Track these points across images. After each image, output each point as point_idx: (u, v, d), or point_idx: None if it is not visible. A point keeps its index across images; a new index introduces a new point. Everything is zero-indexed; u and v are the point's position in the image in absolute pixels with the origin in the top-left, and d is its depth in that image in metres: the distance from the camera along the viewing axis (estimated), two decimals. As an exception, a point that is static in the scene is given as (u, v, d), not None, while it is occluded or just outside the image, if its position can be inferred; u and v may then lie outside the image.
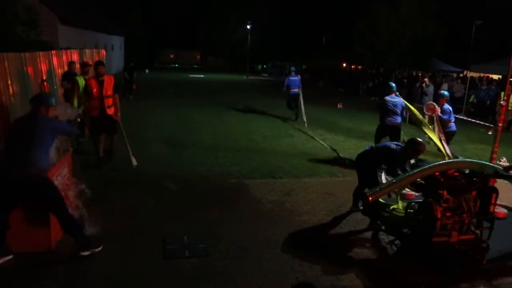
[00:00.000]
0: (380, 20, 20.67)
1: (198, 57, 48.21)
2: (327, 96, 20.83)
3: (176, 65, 44.12)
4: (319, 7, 43.08)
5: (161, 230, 4.59)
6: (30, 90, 8.09)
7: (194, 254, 4.15)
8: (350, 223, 5.16)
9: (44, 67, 9.17)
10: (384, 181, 5.65)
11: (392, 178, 4.80)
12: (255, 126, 11.54)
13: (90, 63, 7.59)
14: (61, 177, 4.30)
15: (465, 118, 13.17)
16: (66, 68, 10.08)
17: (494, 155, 8.17)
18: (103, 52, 17.06)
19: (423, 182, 4.41)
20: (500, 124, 8.13)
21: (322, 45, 40.30)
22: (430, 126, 6.86)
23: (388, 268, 4.16)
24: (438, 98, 7.82)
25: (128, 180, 6.22)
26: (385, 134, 7.80)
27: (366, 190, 4.32)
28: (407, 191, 5.07)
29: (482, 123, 11.34)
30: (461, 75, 22.43)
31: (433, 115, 7.34)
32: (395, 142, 5.36)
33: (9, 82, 7.12)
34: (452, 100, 17.06)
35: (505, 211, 5.06)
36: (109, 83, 6.52)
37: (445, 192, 4.10)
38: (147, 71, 29.38)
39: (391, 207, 5.21)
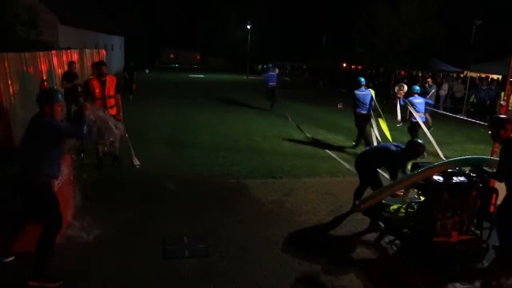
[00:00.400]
0: (380, 20, 20.64)
1: (198, 57, 48.23)
2: (327, 96, 20.83)
3: (176, 65, 44.12)
4: (319, 7, 43.08)
5: (161, 230, 4.59)
6: (30, 90, 8.10)
7: (194, 254, 4.15)
8: (350, 223, 5.16)
9: (44, 67, 9.17)
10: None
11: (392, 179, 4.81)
12: (255, 126, 11.54)
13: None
14: (60, 177, 4.30)
15: (465, 118, 13.17)
16: (66, 68, 10.09)
17: (494, 155, 8.17)
18: (103, 52, 17.08)
19: (423, 182, 4.42)
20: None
21: (322, 45, 40.29)
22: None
23: (388, 268, 4.16)
24: (411, 92, 9.13)
25: (128, 180, 6.22)
26: (361, 123, 8.83)
27: (357, 201, 4.30)
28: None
29: (482, 123, 11.33)
30: (461, 75, 22.44)
31: (398, 97, 8.90)
32: (395, 143, 5.36)
33: (9, 82, 7.13)
34: (452, 100, 17.14)
35: None
36: (111, 83, 6.53)
37: (445, 192, 4.11)
38: (147, 71, 29.39)
39: (391, 208, 5.21)
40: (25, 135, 3.62)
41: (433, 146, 9.20)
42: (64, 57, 10.86)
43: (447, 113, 13.53)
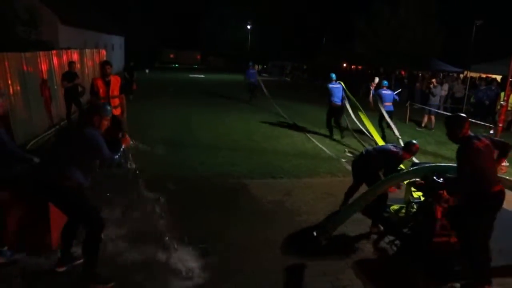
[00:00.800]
0: (380, 20, 20.67)
1: (198, 57, 48.22)
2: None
3: (176, 65, 44.10)
4: (319, 7, 43.06)
5: (161, 230, 4.59)
6: (30, 90, 8.10)
7: (193, 253, 4.14)
8: (350, 223, 5.16)
9: (44, 67, 9.17)
10: None
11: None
12: (255, 126, 11.54)
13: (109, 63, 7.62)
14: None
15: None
16: (66, 68, 10.09)
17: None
18: (103, 52, 17.06)
19: (422, 182, 4.43)
20: (500, 125, 8.15)
21: (322, 45, 40.29)
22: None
23: (388, 268, 4.16)
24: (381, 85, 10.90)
25: (127, 180, 6.22)
26: (333, 114, 10.15)
27: (327, 225, 4.28)
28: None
29: (482, 123, 11.33)
30: (461, 75, 22.44)
31: (370, 88, 11.45)
32: (392, 144, 5.37)
33: (9, 82, 7.13)
34: (452, 100, 17.13)
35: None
36: (115, 83, 6.52)
37: (445, 192, 4.11)
38: (147, 71, 29.38)
39: (392, 208, 5.22)
40: (60, 140, 3.57)
41: (430, 145, 9.37)
42: (64, 57, 10.86)
43: (446, 113, 13.52)
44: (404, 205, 5.17)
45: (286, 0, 42.10)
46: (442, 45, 20.61)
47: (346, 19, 31.30)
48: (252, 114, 13.58)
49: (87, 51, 14.03)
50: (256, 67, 16.81)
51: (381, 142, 8.56)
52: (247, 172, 7.03)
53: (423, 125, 12.76)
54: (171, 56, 46.94)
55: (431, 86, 12.75)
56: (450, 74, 23.62)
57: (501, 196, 3.54)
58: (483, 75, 19.18)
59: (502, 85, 14.59)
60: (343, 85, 10.30)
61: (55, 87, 9.87)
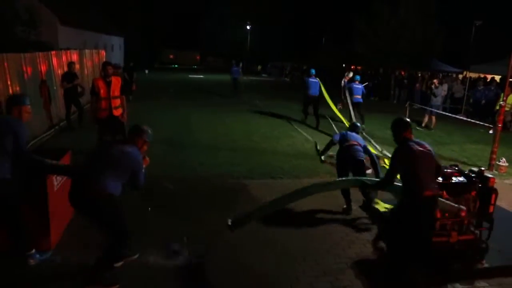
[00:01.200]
0: (380, 20, 20.68)
1: (198, 57, 48.22)
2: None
3: (176, 66, 44.11)
4: (319, 7, 43.08)
5: (161, 230, 4.59)
6: (29, 91, 8.09)
7: (193, 254, 4.14)
8: (350, 223, 5.16)
9: (43, 68, 9.17)
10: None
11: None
12: (254, 126, 11.54)
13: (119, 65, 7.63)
14: (60, 177, 4.30)
15: (465, 119, 13.17)
16: (65, 69, 10.09)
17: (494, 156, 8.19)
18: (103, 52, 17.06)
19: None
20: (499, 125, 8.15)
21: (322, 45, 40.30)
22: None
23: (388, 268, 4.15)
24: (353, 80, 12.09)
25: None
26: (309, 104, 11.52)
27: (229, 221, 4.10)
28: None
29: (481, 123, 11.34)
30: (460, 76, 22.44)
31: (344, 80, 12.26)
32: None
33: (9, 82, 7.12)
34: (452, 101, 17.14)
35: None
36: (116, 84, 6.53)
37: (444, 192, 4.11)
38: (146, 71, 29.38)
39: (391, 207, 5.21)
40: (98, 155, 3.52)
41: (430, 145, 9.31)
42: (64, 58, 10.86)
43: (447, 113, 13.53)
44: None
45: (286, 0, 42.12)
46: (442, 45, 20.59)
47: (346, 19, 31.32)
48: (251, 115, 13.58)
49: (87, 51, 14.02)
50: (240, 65, 20.53)
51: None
52: (247, 172, 7.03)
53: (423, 124, 12.77)
54: (171, 56, 46.94)
55: (433, 86, 12.74)
56: (449, 74, 23.64)
57: (432, 202, 3.59)
58: (482, 76, 19.17)
59: (501, 85, 14.59)
60: (319, 81, 11.91)
61: (55, 87, 9.87)
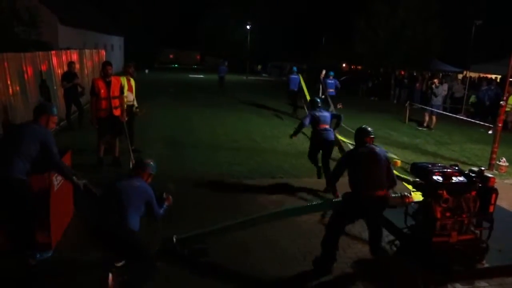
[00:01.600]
0: (380, 20, 20.62)
1: (198, 57, 48.17)
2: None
3: (176, 65, 44.08)
4: (319, 7, 43.06)
5: (161, 230, 4.58)
6: (29, 90, 8.10)
7: (193, 254, 4.14)
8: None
9: (43, 67, 9.17)
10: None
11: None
12: (255, 126, 11.54)
13: (131, 64, 7.69)
14: (60, 177, 4.29)
15: (465, 118, 13.18)
16: (65, 68, 10.09)
17: (494, 155, 8.19)
18: (103, 52, 17.06)
19: (422, 182, 4.42)
20: (499, 125, 8.15)
21: (322, 45, 40.28)
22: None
23: (388, 268, 4.15)
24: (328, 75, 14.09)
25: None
26: (292, 97, 13.05)
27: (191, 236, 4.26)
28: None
29: (482, 123, 11.34)
30: (460, 75, 22.44)
31: (320, 76, 14.17)
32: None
33: (9, 82, 7.12)
34: (452, 100, 17.15)
35: None
36: (116, 84, 6.53)
37: (444, 192, 4.11)
38: (146, 71, 29.37)
39: None
40: (114, 189, 3.49)
41: (430, 145, 9.43)
42: (64, 57, 10.86)
43: (447, 113, 13.54)
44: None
45: (286, 0, 42.09)
46: (442, 45, 20.56)
47: (346, 19, 31.29)
48: (251, 115, 13.58)
49: (87, 51, 14.02)
50: (226, 63, 22.75)
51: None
52: (247, 172, 7.03)
53: (425, 124, 12.73)
54: (171, 56, 46.91)
55: (433, 86, 12.73)
56: (449, 74, 23.62)
57: (373, 200, 3.78)
58: (483, 75, 19.17)
59: (501, 85, 14.58)
60: (301, 77, 13.89)
61: (55, 87, 9.87)
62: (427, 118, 12.73)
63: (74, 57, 11.75)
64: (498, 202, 4.54)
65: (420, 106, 14.72)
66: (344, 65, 33.54)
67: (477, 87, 17.50)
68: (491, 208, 4.27)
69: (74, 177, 3.93)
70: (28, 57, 8.24)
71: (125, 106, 7.14)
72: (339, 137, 9.25)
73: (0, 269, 3.69)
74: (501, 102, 8.29)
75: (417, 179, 4.52)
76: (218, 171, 6.98)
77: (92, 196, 3.98)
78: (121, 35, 33.00)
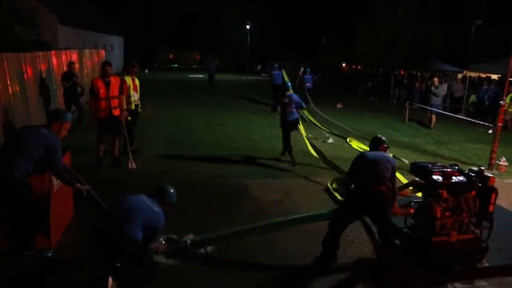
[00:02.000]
0: (380, 20, 20.62)
1: (198, 57, 48.13)
2: (327, 96, 20.84)
3: (176, 65, 44.07)
4: (319, 7, 43.06)
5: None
6: (29, 90, 8.09)
7: (193, 254, 4.14)
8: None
9: (43, 67, 9.16)
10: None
11: None
12: (254, 126, 11.54)
13: (135, 64, 7.70)
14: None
15: (465, 118, 13.18)
16: (65, 68, 10.09)
17: (494, 155, 8.19)
18: (103, 52, 17.07)
19: (422, 182, 4.43)
20: (499, 124, 8.15)
21: (322, 45, 40.31)
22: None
23: (388, 268, 4.15)
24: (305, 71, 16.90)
25: (127, 180, 6.22)
26: (277, 91, 12.70)
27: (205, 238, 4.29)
28: None
29: (482, 123, 11.34)
30: (460, 75, 22.43)
31: (299, 73, 17.59)
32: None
33: (8, 82, 7.11)
34: (452, 100, 17.15)
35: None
36: (115, 84, 6.55)
37: (444, 192, 4.11)
38: (146, 71, 29.36)
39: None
40: (122, 203, 3.45)
41: (429, 144, 9.43)
42: (63, 57, 10.85)
43: (447, 113, 13.54)
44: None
45: (286, 0, 42.11)
46: (442, 45, 20.56)
47: (346, 19, 31.31)
48: (251, 114, 13.57)
49: (86, 51, 14.02)
50: (216, 62, 25.97)
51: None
52: (247, 172, 7.03)
53: (431, 126, 12.62)
54: (171, 56, 46.85)
55: (433, 86, 12.72)
56: (449, 73, 23.60)
57: (374, 195, 3.93)
58: (483, 75, 19.18)
59: (500, 85, 14.58)
60: (284, 72, 14.39)
61: (54, 87, 9.86)
62: (434, 120, 12.61)
63: (74, 57, 11.75)
64: (498, 202, 4.55)
65: (420, 106, 14.73)
66: (344, 65, 33.50)
67: (477, 87, 17.51)
68: (491, 208, 4.28)
69: (77, 184, 3.91)
70: (28, 57, 8.23)
71: (133, 106, 7.17)
72: (354, 144, 9.31)
73: (0, 269, 3.69)
74: (501, 102, 8.29)
75: (417, 179, 4.53)
76: (218, 171, 6.98)
77: (95, 203, 3.95)
78: (121, 35, 33.00)
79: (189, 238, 4.24)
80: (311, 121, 10.68)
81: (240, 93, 18.88)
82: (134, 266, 3.32)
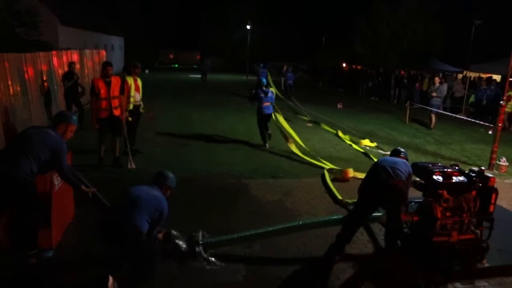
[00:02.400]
0: (380, 20, 20.63)
1: (198, 57, 48.10)
2: (327, 96, 20.85)
3: (176, 65, 44.07)
4: (319, 7, 43.05)
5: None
6: (30, 90, 8.10)
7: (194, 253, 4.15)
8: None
9: (44, 68, 9.18)
10: None
11: None
12: (254, 125, 11.47)
13: (138, 64, 7.71)
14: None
15: (465, 118, 13.18)
16: (66, 69, 10.11)
17: (494, 155, 8.20)
18: (103, 52, 17.06)
19: (422, 182, 4.43)
20: (500, 124, 8.15)
21: (322, 45, 40.29)
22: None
23: (388, 268, 4.16)
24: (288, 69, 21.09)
25: (128, 180, 6.23)
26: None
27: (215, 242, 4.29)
28: None
29: (482, 123, 11.35)
30: (460, 75, 22.42)
31: (283, 71, 22.33)
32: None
33: (9, 82, 7.12)
34: (452, 100, 17.16)
35: None
36: (116, 84, 6.56)
37: (445, 192, 4.11)
38: (147, 71, 29.35)
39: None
40: (132, 194, 3.46)
41: (430, 144, 9.47)
42: (64, 58, 10.86)
43: (447, 113, 13.55)
44: None
45: (286, 0, 42.09)
46: (442, 45, 20.57)
47: (346, 19, 31.31)
48: (251, 114, 13.49)
49: (87, 51, 14.03)
50: (208, 62, 28.30)
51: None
52: (247, 172, 7.04)
53: (431, 125, 12.62)
54: (171, 56, 46.83)
55: (433, 86, 12.70)
56: (448, 73, 23.59)
57: (390, 186, 3.94)
58: (483, 75, 19.16)
59: (501, 85, 14.58)
60: (268, 72, 16.76)
61: (55, 87, 9.88)
62: (434, 120, 12.61)
63: (75, 57, 11.76)
64: (498, 202, 4.56)
65: (420, 106, 14.73)
66: (344, 65, 33.46)
67: (476, 87, 17.49)
68: (491, 208, 4.29)
69: (82, 186, 3.93)
70: (29, 57, 8.25)
71: (131, 106, 7.17)
72: (341, 135, 10.43)
73: (0, 269, 3.70)
74: (501, 102, 8.29)
75: (418, 179, 4.54)
76: (218, 171, 6.98)
77: (100, 205, 3.96)
78: (121, 35, 33.00)
79: (203, 238, 4.22)
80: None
81: (241, 93, 18.84)
82: (133, 254, 3.35)
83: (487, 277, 4.06)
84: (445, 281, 3.95)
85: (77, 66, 11.04)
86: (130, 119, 7.09)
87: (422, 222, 4.34)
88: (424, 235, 4.25)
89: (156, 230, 3.61)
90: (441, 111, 12.88)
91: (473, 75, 20.15)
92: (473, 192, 4.23)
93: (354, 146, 9.23)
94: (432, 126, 12.57)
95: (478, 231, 4.36)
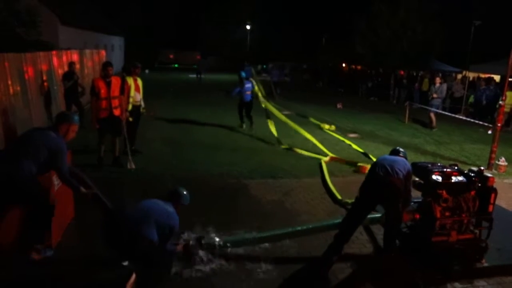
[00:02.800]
0: (380, 20, 20.65)
1: (198, 57, 48.10)
2: (327, 96, 20.85)
3: (176, 65, 44.06)
4: (319, 7, 43.06)
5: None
6: (30, 90, 8.11)
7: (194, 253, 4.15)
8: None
9: (44, 68, 9.18)
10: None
11: None
12: (255, 126, 11.53)
13: (138, 64, 7.70)
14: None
15: (464, 118, 13.19)
16: (66, 69, 10.11)
17: (493, 155, 8.21)
18: (103, 52, 17.07)
19: (422, 181, 4.44)
20: (499, 124, 8.17)
21: (322, 45, 40.30)
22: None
23: (387, 268, 4.17)
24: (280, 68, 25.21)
25: (128, 180, 6.24)
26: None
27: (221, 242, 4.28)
28: None
29: (481, 123, 11.36)
30: (459, 75, 22.44)
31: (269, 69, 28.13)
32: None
33: (9, 82, 7.12)
34: (451, 100, 17.17)
35: None
36: (116, 84, 6.57)
37: (444, 192, 4.12)
38: (147, 71, 29.35)
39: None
40: (145, 207, 3.48)
41: (429, 144, 9.48)
42: (64, 58, 10.86)
43: (446, 113, 13.56)
44: None
45: (286, 0, 42.12)
46: (442, 45, 20.60)
47: (346, 19, 31.34)
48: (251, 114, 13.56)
49: (87, 51, 14.03)
50: (204, 62, 30.00)
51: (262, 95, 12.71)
52: (247, 172, 7.04)
53: (433, 125, 12.62)
54: (171, 56, 46.78)
55: (433, 87, 12.70)
56: (448, 74, 23.61)
57: (388, 183, 3.99)
58: (482, 75, 19.18)
59: (500, 85, 14.59)
60: (252, 69, 16.93)
61: (55, 87, 9.88)
62: (434, 119, 12.61)
63: (75, 57, 11.76)
64: (497, 202, 4.57)
65: (420, 106, 14.73)
66: (344, 65, 33.47)
67: (475, 88, 17.50)
68: (491, 208, 4.30)
69: (81, 188, 3.89)
70: (29, 57, 8.25)
71: (130, 106, 7.18)
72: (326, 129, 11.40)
73: (0, 269, 3.70)
74: (500, 102, 8.30)
75: (417, 179, 4.55)
76: (218, 171, 6.99)
77: (102, 206, 3.95)
78: (121, 35, 33.00)
79: (217, 240, 4.24)
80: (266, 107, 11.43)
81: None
82: (147, 266, 3.37)
83: (486, 276, 4.07)
84: (444, 280, 3.96)
85: (77, 66, 11.05)
86: (131, 119, 7.10)
87: (422, 222, 4.35)
88: (423, 235, 4.26)
89: (170, 243, 3.61)
90: (440, 111, 12.89)
91: (472, 75, 20.17)
92: (472, 192, 4.24)
93: (354, 146, 9.23)
94: (433, 125, 12.56)
95: (477, 231, 4.36)
